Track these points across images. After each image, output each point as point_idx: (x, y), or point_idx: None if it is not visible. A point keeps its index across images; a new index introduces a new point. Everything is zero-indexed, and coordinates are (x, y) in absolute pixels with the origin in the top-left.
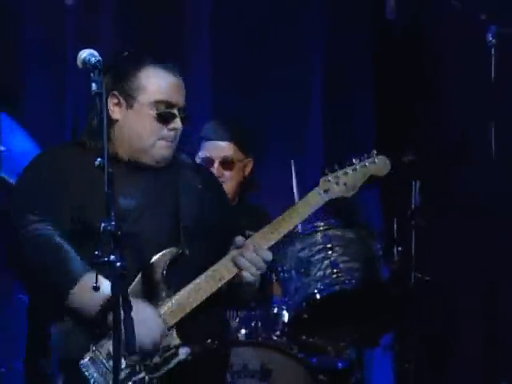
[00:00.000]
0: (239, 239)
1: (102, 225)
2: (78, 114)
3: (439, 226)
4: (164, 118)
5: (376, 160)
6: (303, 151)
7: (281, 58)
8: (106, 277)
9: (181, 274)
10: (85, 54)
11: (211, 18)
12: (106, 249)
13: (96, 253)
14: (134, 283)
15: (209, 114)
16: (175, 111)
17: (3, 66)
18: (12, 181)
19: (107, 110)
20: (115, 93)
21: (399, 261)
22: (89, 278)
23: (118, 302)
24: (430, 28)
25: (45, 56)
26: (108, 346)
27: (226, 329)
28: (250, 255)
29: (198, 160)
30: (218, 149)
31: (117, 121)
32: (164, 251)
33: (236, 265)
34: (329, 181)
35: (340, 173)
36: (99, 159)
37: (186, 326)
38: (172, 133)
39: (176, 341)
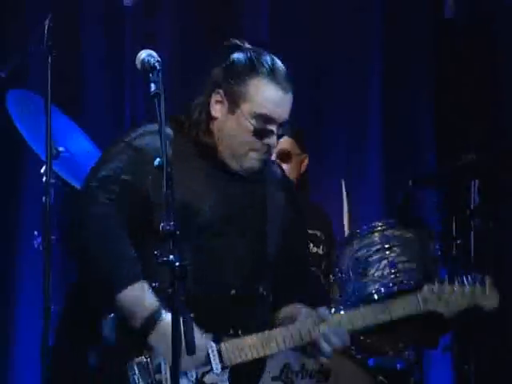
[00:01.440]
0: (324, 313)
1: (161, 225)
2: (136, 114)
3: (498, 225)
4: (261, 133)
5: (487, 291)
6: (362, 150)
7: (340, 57)
8: (165, 278)
9: (251, 312)
10: (144, 54)
11: (270, 18)
12: (166, 248)
13: (155, 252)
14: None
15: None
16: (274, 128)
17: (63, 67)
18: (70, 181)
19: (208, 103)
20: (220, 91)
21: (458, 261)
22: (140, 286)
23: (177, 302)
24: (490, 25)
25: (104, 57)
26: (160, 359)
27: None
28: (333, 340)
29: None
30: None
31: (216, 118)
32: (245, 289)
33: (311, 339)
34: (432, 291)
35: (447, 288)
36: (158, 159)
37: (239, 369)
38: (265, 147)
39: (225, 383)
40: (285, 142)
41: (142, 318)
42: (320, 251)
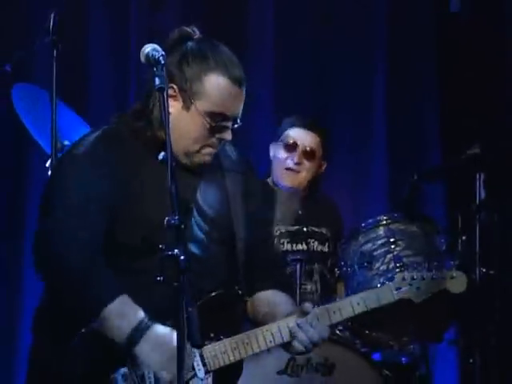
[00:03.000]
0: (307, 307)
1: (166, 219)
2: None
3: (504, 219)
4: (215, 130)
5: (454, 275)
6: (367, 149)
7: (344, 55)
8: (170, 271)
9: (231, 313)
10: (148, 48)
11: (275, 16)
12: (170, 242)
13: (160, 246)
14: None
15: (271, 115)
16: (229, 124)
17: (68, 62)
18: None
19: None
20: (174, 86)
21: (463, 255)
22: (119, 303)
23: (181, 296)
24: (497, 19)
25: (109, 51)
26: (143, 369)
27: None
28: (310, 332)
29: (279, 146)
30: (307, 137)
31: (169, 113)
32: (223, 292)
33: (292, 335)
34: (404, 279)
35: (417, 275)
36: (163, 153)
37: (223, 373)
38: (219, 141)
39: None
40: (313, 141)
41: (128, 330)
42: (325, 248)
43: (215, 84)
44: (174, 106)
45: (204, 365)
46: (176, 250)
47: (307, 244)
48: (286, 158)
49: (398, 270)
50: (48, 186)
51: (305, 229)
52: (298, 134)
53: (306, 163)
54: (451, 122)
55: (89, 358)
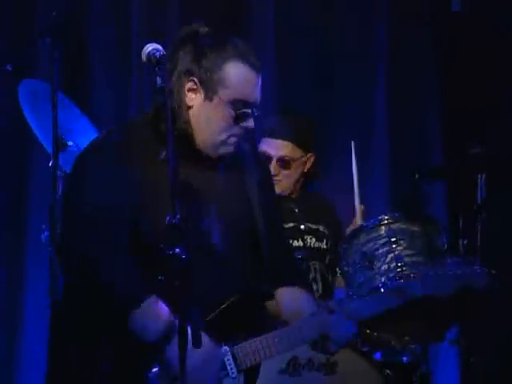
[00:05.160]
0: (333, 305)
1: (167, 218)
2: (143, 108)
3: (505, 219)
4: (240, 118)
5: (477, 271)
6: (368, 148)
7: (345, 55)
8: (171, 270)
9: (260, 311)
10: (150, 48)
11: (276, 17)
12: (172, 242)
13: (161, 246)
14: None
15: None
16: (251, 111)
17: (70, 62)
18: None
19: (183, 92)
20: (194, 79)
21: (464, 255)
22: (152, 301)
23: (183, 295)
24: (498, 19)
25: (111, 50)
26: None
27: None
28: (340, 329)
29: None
30: (277, 147)
31: (191, 107)
32: (252, 291)
33: (322, 333)
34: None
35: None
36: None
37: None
38: (243, 130)
39: None
40: (282, 148)
41: (158, 332)
42: (323, 245)
43: (236, 71)
44: (196, 99)
45: (236, 364)
46: (177, 249)
47: (304, 241)
48: None
49: (398, 269)
50: (68, 191)
51: (302, 226)
52: (268, 146)
53: (284, 172)
54: (452, 122)
55: (119, 358)
